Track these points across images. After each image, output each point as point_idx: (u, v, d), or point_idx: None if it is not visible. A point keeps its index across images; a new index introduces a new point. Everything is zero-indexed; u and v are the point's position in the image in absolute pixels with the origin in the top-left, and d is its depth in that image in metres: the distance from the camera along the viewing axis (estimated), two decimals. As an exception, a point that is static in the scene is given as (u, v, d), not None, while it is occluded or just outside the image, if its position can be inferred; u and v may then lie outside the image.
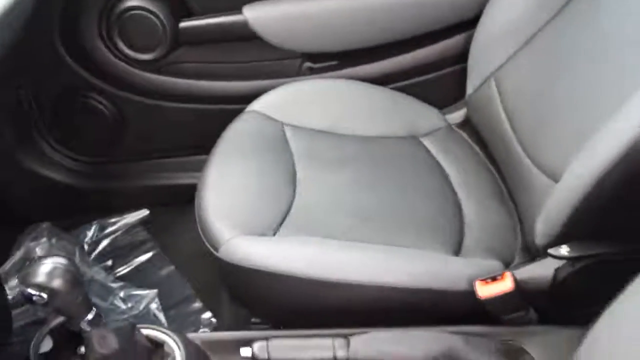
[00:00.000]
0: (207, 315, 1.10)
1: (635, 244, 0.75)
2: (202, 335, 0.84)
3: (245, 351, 0.71)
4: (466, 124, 1.11)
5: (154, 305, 1.07)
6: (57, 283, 0.64)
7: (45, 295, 0.63)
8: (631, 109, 0.65)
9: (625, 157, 0.64)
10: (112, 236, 1.24)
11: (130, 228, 1.25)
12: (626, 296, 0.47)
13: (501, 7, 1.02)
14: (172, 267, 1.20)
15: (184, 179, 1.25)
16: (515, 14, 0.99)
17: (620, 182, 0.66)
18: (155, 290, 1.10)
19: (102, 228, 1.24)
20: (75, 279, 0.65)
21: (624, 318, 0.46)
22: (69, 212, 1.25)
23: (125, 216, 1.26)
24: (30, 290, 0.63)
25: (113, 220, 1.25)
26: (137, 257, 1.23)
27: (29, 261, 1.13)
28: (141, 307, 1.08)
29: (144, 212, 1.27)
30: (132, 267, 1.21)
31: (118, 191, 1.29)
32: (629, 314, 0.46)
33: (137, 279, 1.17)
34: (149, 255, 1.23)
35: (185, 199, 1.11)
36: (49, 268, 0.64)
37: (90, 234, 1.23)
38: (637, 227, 0.72)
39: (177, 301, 1.13)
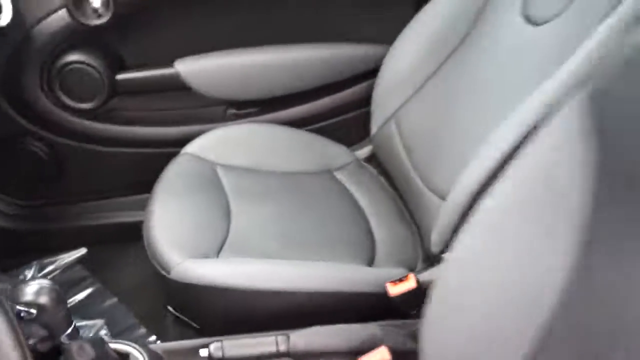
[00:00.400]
0: (153, 338, 1.23)
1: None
2: (163, 345, 0.98)
3: (203, 352, 0.87)
4: (372, 158, 1.33)
5: (103, 332, 1.19)
6: (44, 299, 0.77)
7: (34, 311, 0.77)
8: (495, 138, 0.89)
9: (489, 178, 0.87)
10: (51, 275, 1.34)
11: (68, 267, 1.36)
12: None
13: (396, 59, 1.25)
14: (114, 300, 1.31)
15: (122, 218, 1.39)
16: (407, 66, 1.22)
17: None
18: (102, 320, 1.22)
19: (42, 268, 1.34)
20: (59, 296, 0.79)
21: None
22: (7, 254, 1.33)
23: (63, 255, 1.37)
24: (20, 308, 0.77)
25: (51, 259, 1.36)
26: (76, 294, 1.33)
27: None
28: (90, 335, 1.18)
29: (81, 251, 1.39)
30: (73, 303, 1.31)
31: (56, 232, 1.40)
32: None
33: (80, 313, 1.27)
34: (88, 291, 1.33)
35: (122, 237, 1.25)
36: (35, 288, 0.78)
37: (29, 274, 1.33)
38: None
39: (122, 329, 1.25)
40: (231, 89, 1.33)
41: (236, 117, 1.35)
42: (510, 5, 1.07)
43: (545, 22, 0.99)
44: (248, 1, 1.29)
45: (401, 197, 1.22)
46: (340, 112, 1.38)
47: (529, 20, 1.03)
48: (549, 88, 0.87)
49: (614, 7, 0.84)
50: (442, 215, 0.96)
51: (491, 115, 0.96)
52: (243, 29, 1.31)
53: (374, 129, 1.28)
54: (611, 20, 0.83)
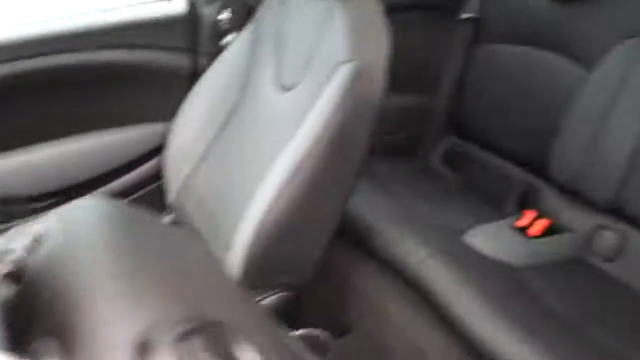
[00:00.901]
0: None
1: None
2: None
3: None
4: (176, 224, 1.49)
5: None
6: None
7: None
8: (261, 193, 1.10)
9: (260, 226, 1.08)
10: None
11: None
12: None
13: (179, 134, 1.43)
14: None
15: None
16: (190, 138, 1.41)
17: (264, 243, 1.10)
18: None
19: None
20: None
21: None
22: None
23: None
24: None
25: None
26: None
27: None
28: None
29: None
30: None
31: None
32: None
33: None
34: None
35: None
36: None
37: None
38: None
39: None
40: (25, 184, 1.42)
41: (39, 211, 1.43)
42: (267, 75, 1.31)
43: (291, 88, 1.22)
44: (29, 101, 1.40)
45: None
46: (137, 189, 1.53)
47: (281, 87, 1.26)
48: (298, 141, 1.10)
49: (331, 77, 1.09)
50: (228, 265, 1.14)
51: (259, 173, 1.16)
52: (28, 126, 1.41)
53: (170, 199, 1.44)
54: (330, 88, 1.08)
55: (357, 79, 1.08)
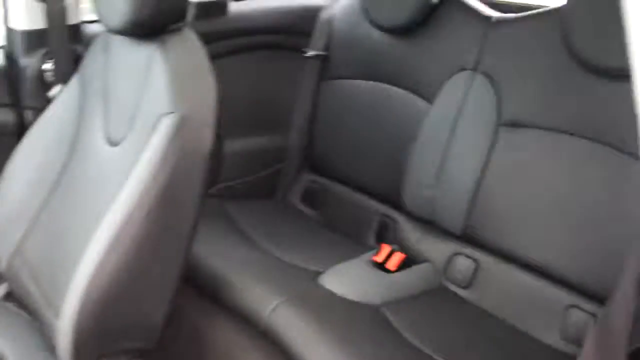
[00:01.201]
0: None
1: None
2: None
3: None
4: (9, 296, 1.37)
5: None
6: None
7: None
8: (88, 256, 1.03)
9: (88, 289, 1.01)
10: None
11: None
12: None
13: (5, 194, 1.32)
14: None
15: None
16: (18, 199, 1.31)
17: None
18: None
19: None
20: None
21: None
22: None
23: None
24: None
25: None
26: None
27: None
28: None
29: None
30: None
31: None
32: None
33: None
34: None
35: None
36: None
37: None
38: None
39: None
40: None
41: None
42: (96, 128, 1.24)
43: (119, 142, 1.17)
44: None
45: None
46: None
47: (109, 142, 1.20)
48: (124, 197, 1.04)
49: (154, 129, 1.04)
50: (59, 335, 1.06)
51: (88, 233, 1.09)
52: None
53: (1, 267, 1.33)
54: (154, 140, 1.04)
55: (181, 129, 1.05)
